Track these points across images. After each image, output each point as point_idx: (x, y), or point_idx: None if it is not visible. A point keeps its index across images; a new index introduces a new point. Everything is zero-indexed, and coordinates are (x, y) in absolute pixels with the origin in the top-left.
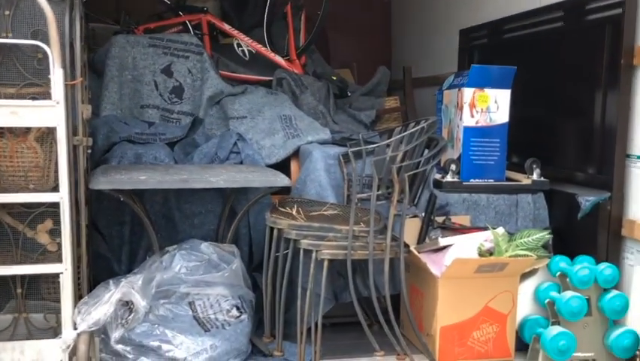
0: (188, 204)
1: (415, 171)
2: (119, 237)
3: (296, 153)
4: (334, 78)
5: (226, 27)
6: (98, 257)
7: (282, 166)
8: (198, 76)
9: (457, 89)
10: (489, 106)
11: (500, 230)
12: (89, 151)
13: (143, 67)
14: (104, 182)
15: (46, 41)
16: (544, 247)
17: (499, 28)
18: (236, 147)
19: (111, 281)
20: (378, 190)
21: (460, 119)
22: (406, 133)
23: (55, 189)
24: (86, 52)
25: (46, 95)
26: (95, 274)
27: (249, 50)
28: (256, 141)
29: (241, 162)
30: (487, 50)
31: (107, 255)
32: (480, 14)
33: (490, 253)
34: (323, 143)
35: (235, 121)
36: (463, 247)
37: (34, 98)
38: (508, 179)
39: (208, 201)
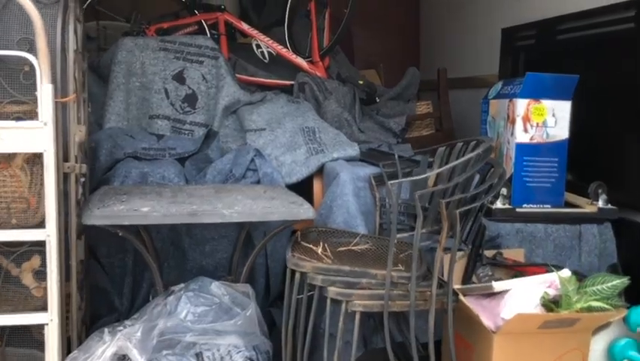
0: (199, 230)
1: (468, 207)
2: (120, 267)
3: (319, 170)
4: (361, 82)
5: (245, 27)
6: (96, 290)
7: (304, 185)
8: (213, 83)
9: (507, 100)
10: (546, 120)
11: (566, 273)
12: (83, 179)
13: (153, 73)
14: (98, 216)
15: (35, 51)
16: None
17: (551, 28)
18: (253, 163)
19: (106, 330)
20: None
21: (512, 134)
22: (458, 162)
23: (42, 224)
24: (86, 60)
25: (34, 115)
26: (93, 310)
27: (268, 52)
28: (275, 156)
29: (258, 181)
30: (535, 52)
31: (107, 288)
32: (526, 12)
33: (556, 302)
34: (350, 160)
35: (252, 134)
36: (523, 294)
37: (18, 119)
38: (567, 203)
39: (221, 226)
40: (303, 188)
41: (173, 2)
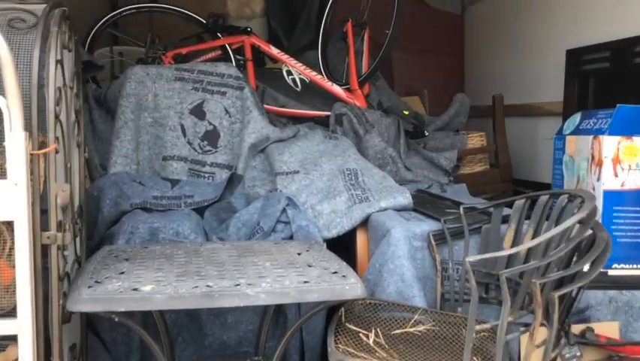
0: None
1: (568, 289)
2: (125, 343)
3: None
4: (406, 113)
5: (274, 51)
6: None
7: (345, 236)
8: (238, 117)
9: (590, 137)
10: None
11: None
12: (67, 252)
13: (167, 107)
14: (87, 300)
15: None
16: None
17: (629, 49)
18: (284, 214)
19: None
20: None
21: (598, 179)
22: (557, 231)
23: (14, 312)
24: (81, 96)
25: (3, 172)
26: None
27: (301, 79)
28: (311, 205)
29: (291, 236)
30: (608, 76)
31: None
32: (596, 32)
33: None
34: (401, 209)
35: (284, 178)
36: None
37: None
38: None
39: None
40: (343, 241)
41: (194, 25)
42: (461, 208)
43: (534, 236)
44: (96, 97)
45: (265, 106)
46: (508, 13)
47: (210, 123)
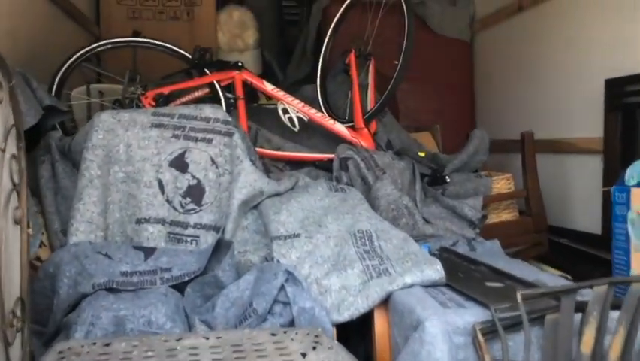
0: None
1: None
2: None
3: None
4: (422, 155)
5: (268, 88)
6: None
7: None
8: (226, 168)
9: None
10: None
11: None
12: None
13: (143, 159)
14: None
15: None
16: None
17: None
18: (283, 292)
19: None
20: None
21: None
22: None
23: None
24: (21, 159)
25: None
26: None
27: (298, 117)
28: (316, 279)
29: (292, 322)
30: None
31: None
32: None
33: None
34: (432, 285)
35: (282, 244)
36: None
37: None
38: None
39: None
40: (356, 323)
41: (180, 60)
42: (518, 294)
43: (628, 340)
44: (60, 148)
45: (258, 149)
46: (525, 38)
47: (194, 177)
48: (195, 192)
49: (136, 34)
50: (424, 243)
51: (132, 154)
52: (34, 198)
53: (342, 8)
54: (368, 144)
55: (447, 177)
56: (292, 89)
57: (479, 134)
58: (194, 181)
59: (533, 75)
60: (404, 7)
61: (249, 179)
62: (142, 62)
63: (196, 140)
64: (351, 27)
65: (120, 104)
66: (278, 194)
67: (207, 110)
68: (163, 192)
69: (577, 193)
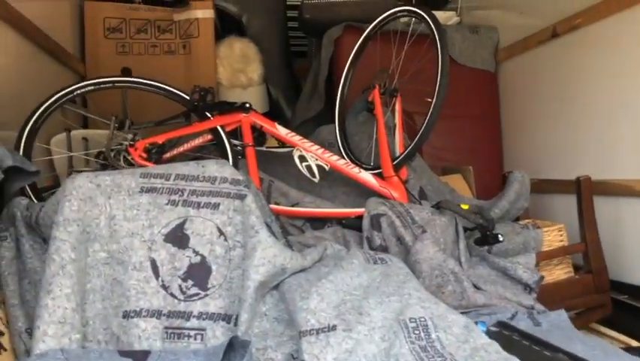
0: None
1: None
2: None
3: None
4: (466, 208)
5: (281, 132)
6: None
7: None
8: (237, 240)
9: None
10: None
11: None
12: None
13: (130, 234)
14: None
15: None
16: None
17: None
18: None
19: None
20: None
21: None
22: None
23: None
24: None
25: None
26: None
27: (318, 165)
28: None
29: None
30: None
31: None
32: None
33: None
34: None
35: (314, 341)
36: None
37: None
38: None
39: None
40: None
41: (178, 103)
42: None
43: None
44: (27, 219)
45: (273, 207)
46: (561, 67)
47: (196, 253)
48: (199, 273)
49: (126, 71)
50: (478, 320)
51: (116, 228)
52: None
53: (362, 39)
54: (400, 195)
55: (500, 235)
56: (303, 129)
57: (519, 176)
58: (197, 258)
59: (572, 108)
60: (436, 37)
61: (268, 254)
62: (134, 103)
63: (198, 206)
64: (372, 60)
65: (104, 157)
66: (303, 269)
67: (212, 168)
68: (157, 276)
69: (635, 241)
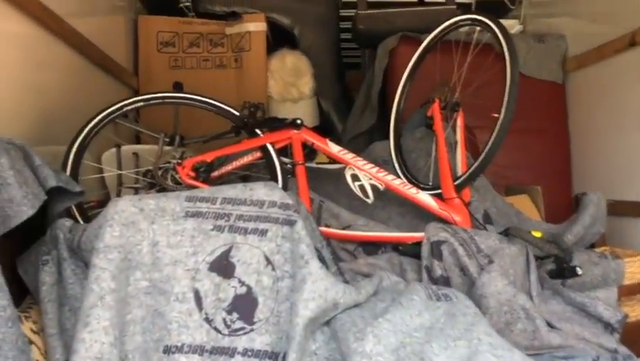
0: None
1: None
2: None
3: None
4: (538, 235)
5: (333, 150)
6: None
7: None
8: (286, 270)
9: None
10: None
11: None
12: None
13: (173, 262)
14: None
15: None
16: None
17: None
18: None
19: None
20: None
21: None
22: None
23: None
24: None
25: None
26: None
27: (372, 185)
28: None
29: None
30: None
31: None
32: None
33: None
34: None
35: None
36: None
37: None
38: None
39: None
40: None
41: (227, 119)
42: None
43: None
44: (69, 242)
45: (323, 229)
46: (638, 78)
47: (242, 283)
48: (245, 305)
49: (177, 86)
50: None
51: (159, 255)
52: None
53: (420, 49)
54: (463, 219)
55: (578, 269)
56: (354, 143)
57: (595, 198)
58: (243, 289)
59: None
60: (504, 47)
61: (318, 287)
62: (186, 119)
63: (245, 232)
64: (430, 72)
65: (151, 176)
66: (357, 304)
67: (260, 192)
68: (200, 308)
69: None
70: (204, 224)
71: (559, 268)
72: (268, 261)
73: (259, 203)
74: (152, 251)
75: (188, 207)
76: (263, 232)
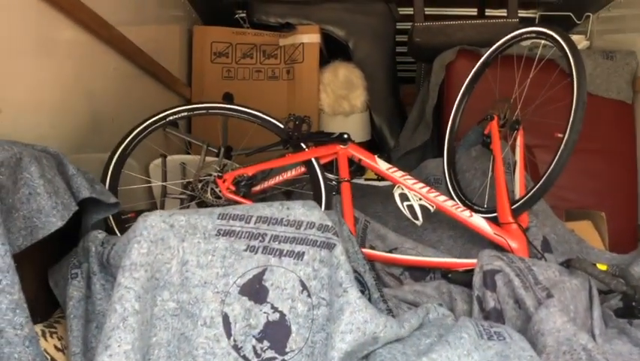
0: None
1: None
2: None
3: None
4: (604, 268)
5: (382, 167)
6: None
7: None
8: (322, 297)
9: None
10: None
11: None
12: None
13: (203, 283)
14: None
15: None
16: None
17: None
18: None
19: None
20: None
21: None
22: None
23: None
24: None
25: None
26: None
27: (421, 205)
28: None
29: None
30: None
31: None
32: None
33: None
34: None
35: None
36: None
37: None
38: None
39: None
40: None
41: (273, 132)
42: None
43: None
44: (100, 255)
45: (367, 252)
46: None
47: (275, 309)
48: (277, 333)
49: (227, 96)
50: None
51: (188, 275)
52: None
53: (479, 64)
54: (520, 246)
55: None
56: (406, 160)
57: None
58: (276, 316)
59: None
60: (572, 63)
61: (357, 319)
62: (237, 131)
63: (280, 254)
64: (488, 87)
65: (192, 189)
66: (399, 339)
67: (298, 211)
68: (229, 335)
69: None
70: (237, 244)
71: (627, 307)
72: (304, 286)
73: (296, 223)
74: (181, 271)
75: (220, 225)
76: (299, 255)
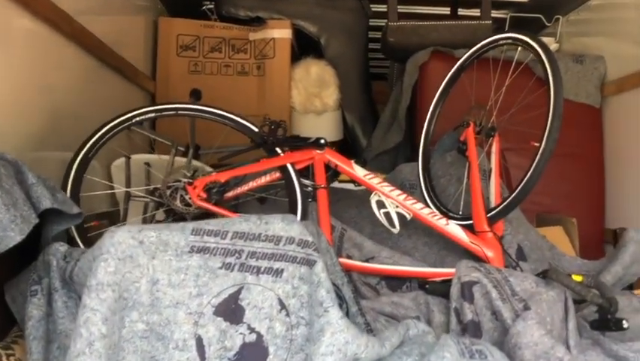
0: None
1: None
2: None
3: None
4: (579, 279)
5: (358, 173)
6: None
7: None
8: (302, 316)
9: None
10: None
11: None
12: None
13: (174, 303)
14: None
15: None
16: None
17: None
18: None
19: None
20: None
21: None
22: None
23: None
24: None
25: None
26: None
27: (398, 213)
28: None
29: None
30: None
31: None
32: None
33: None
34: None
35: None
36: None
37: None
38: None
39: None
40: None
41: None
42: None
43: None
44: (62, 271)
45: (344, 261)
46: None
47: (252, 330)
48: (253, 355)
49: (195, 93)
50: None
51: (159, 295)
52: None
53: (455, 68)
54: (496, 255)
55: (625, 322)
56: (378, 161)
57: (635, 236)
58: (253, 337)
59: None
60: (549, 72)
61: (338, 340)
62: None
63: (258, 271)
64: (464, 91)
65: (159, 196)
66: (380, 359)
67: (277, 226)
68: (203, 358)
69: None
70: (212, 261)
71: (602, 320)
72: (282, 305)
73: (275, 239)
74: (152, 290)
75: (194, 241)
76: (278, 272)
